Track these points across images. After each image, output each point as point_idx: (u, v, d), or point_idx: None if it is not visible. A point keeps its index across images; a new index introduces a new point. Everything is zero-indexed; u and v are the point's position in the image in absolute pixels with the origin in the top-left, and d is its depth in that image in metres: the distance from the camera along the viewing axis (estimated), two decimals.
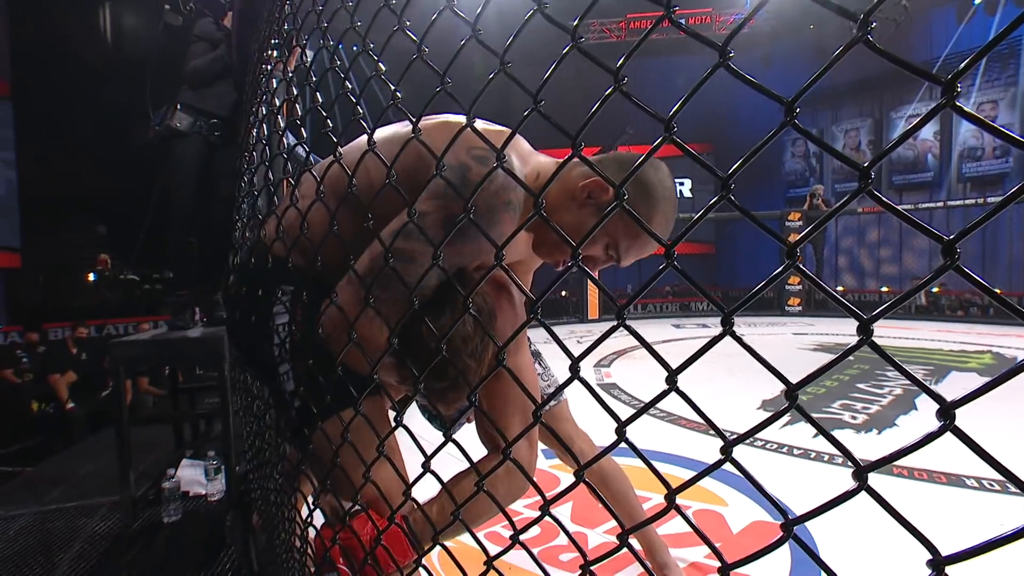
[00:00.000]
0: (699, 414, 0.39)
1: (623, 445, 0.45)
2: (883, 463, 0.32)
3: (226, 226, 2.33)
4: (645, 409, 0.42)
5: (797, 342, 6.02)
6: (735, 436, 0.38)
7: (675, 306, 10.09)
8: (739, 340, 0.37)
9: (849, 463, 0.36)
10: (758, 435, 2.95)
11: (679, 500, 0.42)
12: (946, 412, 0.30)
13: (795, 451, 2.67)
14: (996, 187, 9.46)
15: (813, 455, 2.61)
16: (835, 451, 2.63)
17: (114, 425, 2.08)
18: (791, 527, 0.37)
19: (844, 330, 6.93)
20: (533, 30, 0.46)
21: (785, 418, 3.29)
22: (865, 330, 0.32)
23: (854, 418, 3.21)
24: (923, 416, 3.18)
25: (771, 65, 11.01)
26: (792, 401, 0.35)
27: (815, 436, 2.88)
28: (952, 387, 3.93)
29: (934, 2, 9.73)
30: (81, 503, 2.17)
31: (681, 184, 13.29)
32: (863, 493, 0.34)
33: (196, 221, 2.35)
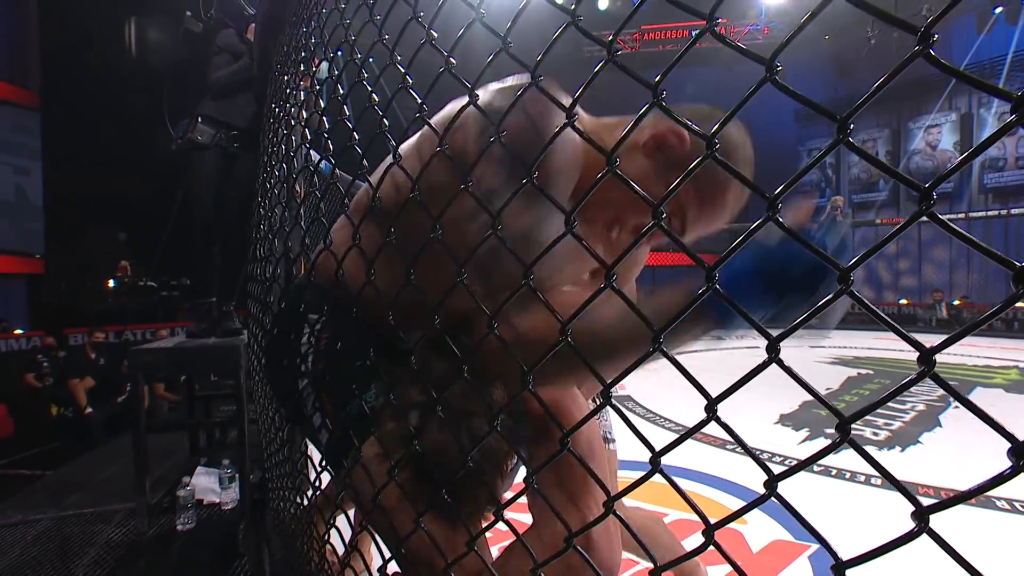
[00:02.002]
0: (740, 445, 0.38)
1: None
2: (947, 505, 0.30)
3: (241, 236, 2.36)
4: (684, 439, 0.40)
5: (814, 355, 5.92)
6: (780, 472, 0.36)
7: None
8: (788, 370, 0.35)
9: (889, 490, 0.34)
10: (777, 452, 2.89)
11: (693, 517, 0.41)
12: (1019, 452, 0.28)
13: (815, 468, 2.61)
14: (1019, 198, 9.27)
15: (834, 472, 2.54)
16: (856, 468, 2.56)
17: (131, 431, 2.09)
18: (842, 569, 0.35)
19: (861, 343, 6.80)
20: (547, 39, 0.44)
21: (803, 433, 3.22)
22: (927, 361, 0.30)
23: (876, 435, 3.13)
24: (947, 434, 3.09)
25: (786, 76, 10.96)
26: (845, 435, 0.34)
27: (836, 452, 2.81)
28: (978, 403, 3.82)
29: (954, 11, 9.64)
30: (98, 509, 2.18)
31: None
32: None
33: (216, 230, 2.38)
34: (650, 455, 0.40)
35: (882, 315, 0.33)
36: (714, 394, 0.38)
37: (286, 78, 1.22)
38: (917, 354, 0.30)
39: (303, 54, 0.97)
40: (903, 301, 10.41)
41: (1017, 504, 2.15)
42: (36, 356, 6.10)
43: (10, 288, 8.67)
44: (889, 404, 3.73)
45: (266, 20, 1.51)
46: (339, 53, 0.77)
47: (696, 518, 0.43)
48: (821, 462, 2.66)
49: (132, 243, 9.97)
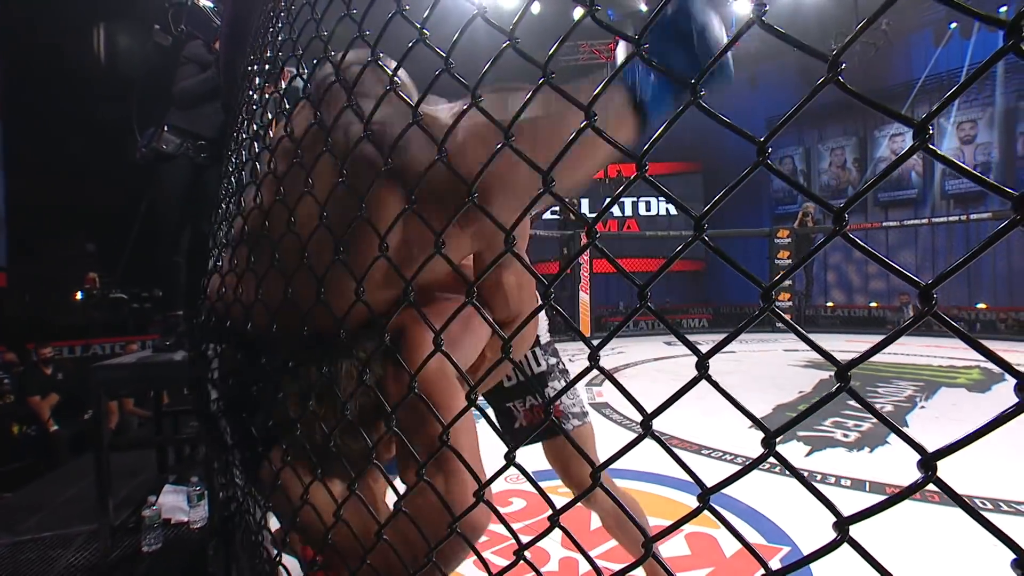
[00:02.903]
0: (677, 461, 0.38)
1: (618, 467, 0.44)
2: (865, 515, 0.31)
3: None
4: (616, 457, 0.41)
5: (788, 359, 6.04)
6: (713, 484, 0.37)
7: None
8: (715, 385, 0.36)
9: (840, 485, 0.35)
10: (749, 456, 2.93)
11: (659, 521, 0.41)
12: (927, 464, 0.29)
13: (784, 471, 2.65)
14: (978, 204, 9.65)
15: (804, 474, 2.59)
16: (825, 470, 2.62)
17: (93, 450, 2.03)
18: None
19: (834, 346, 6.95)
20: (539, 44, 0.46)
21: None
22: (843, 377, 0.31)
23: (846, 436, 3.20)
24: (914, 433, 3.14)
25: (757, 86, 11.25)
26: (770, 449, 0.35)
27: (807, 455, 2.87)
28: (942, 403, 3.95)
29: (912, 26, 10.03)
30: (57, 532, 2.10)
31: (666, 203, 13.48)
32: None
33: (182, 242, 2.33)
34: (591, 469, 0.40)
35: (800, 331, 0.34)
36: (693, 402, 0.39)
37: (249, 90, 1.21)
38: (892, 356, 0.31)
39: (265, 66, 0.96)
40: (873, 304, 10.71)
41: (978, 501, 2.22)
42: None
43: None
44: (857, 405, 3.83)
45: (230, 30, 1.49)
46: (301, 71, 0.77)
47: (660, 522, 0.43)
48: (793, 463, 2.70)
49: (101, 254, 9.68)
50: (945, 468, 0.30)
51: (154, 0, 2.56)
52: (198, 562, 1.88)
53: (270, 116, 0.98)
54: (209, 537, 2.02)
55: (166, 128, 2.22)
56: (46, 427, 5.27)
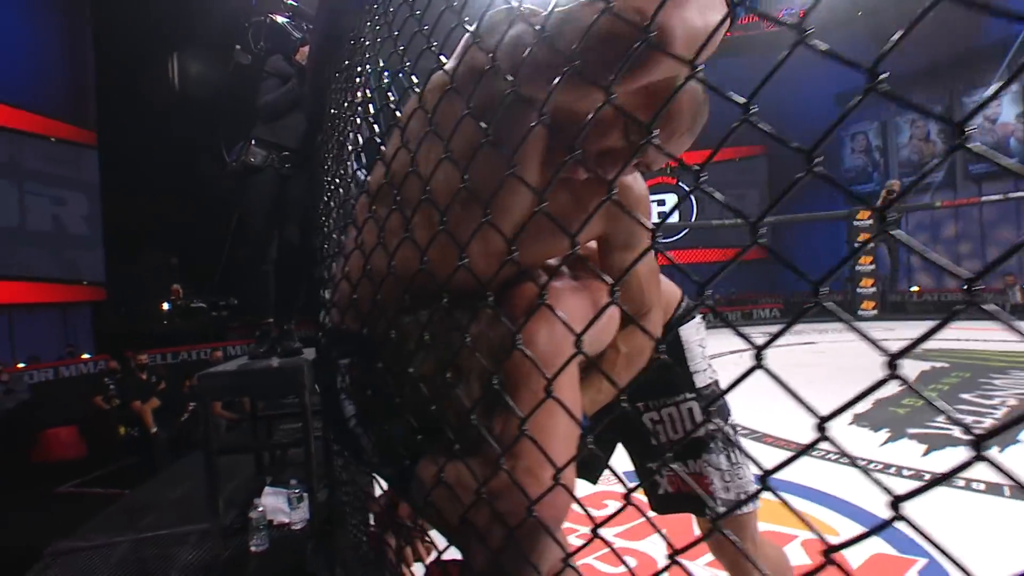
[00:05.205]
0: (788, 391, 0.31)
1: None
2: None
3: (299, 256, 2.38)
4: (732, 387, 0.33)
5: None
6: (904, 493, 0.29)
7: (736, 314, 9.66)
8: (776, 378, 0.29)
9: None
10: (861, 455, 2.69)
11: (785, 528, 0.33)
12: None
13: (904, 471, 2.42)
14: None
15: (927, 476, 2.35)
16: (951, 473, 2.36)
17: (201, 453, 2.13)
18: None
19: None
20: None
21: (884, 434, 3.01)
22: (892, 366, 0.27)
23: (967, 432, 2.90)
24: None
25: (823, 59, 10.53)
26: (822, 434, 0.27)
27: (924, 455, 2.61)
28: None
29: None
30: (172, 531, 2.23)
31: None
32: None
33: (270, 251, 2.41)
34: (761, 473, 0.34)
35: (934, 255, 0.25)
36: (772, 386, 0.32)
37: (347, 97, 1.20)
38: (1007, 344, 0.23)
39: (361, 68, 0.94)
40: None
41: None
42: (103, 379, 6.42)
43: (78, 315, 9.19)
44: (973, 399, 3.46)
45: (321, 39, 1.51)
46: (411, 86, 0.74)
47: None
48: (911, 465, 2.46)
49: (183, 267, 10.46)
50: None
51: (224, 26, 2.67)
52: (302, 562, 1.94)
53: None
54: (310, 538, 2.08)
55: (253, 142, 2.30)
56: (148, 429, 5.71)
